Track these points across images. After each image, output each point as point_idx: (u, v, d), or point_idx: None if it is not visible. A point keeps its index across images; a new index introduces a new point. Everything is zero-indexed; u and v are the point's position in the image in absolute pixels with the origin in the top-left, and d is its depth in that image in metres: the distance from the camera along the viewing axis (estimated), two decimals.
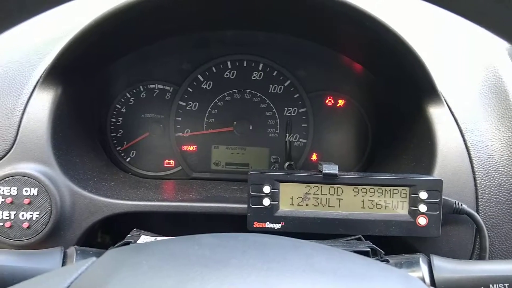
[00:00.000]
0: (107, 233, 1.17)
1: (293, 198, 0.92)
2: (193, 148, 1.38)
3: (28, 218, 0.89)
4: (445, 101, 1.02)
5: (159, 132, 1.37)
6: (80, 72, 1.07)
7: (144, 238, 0.84)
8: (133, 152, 1.37)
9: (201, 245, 0.55)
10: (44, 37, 1.09)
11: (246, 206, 0.92)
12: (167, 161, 1.37)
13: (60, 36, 1.05)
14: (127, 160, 1.37)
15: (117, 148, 1.36)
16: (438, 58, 1.11)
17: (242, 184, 1.25)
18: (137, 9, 0.91)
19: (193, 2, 0.98)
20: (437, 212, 0.90)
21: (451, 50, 1.16)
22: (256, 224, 0.91)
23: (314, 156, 1.39)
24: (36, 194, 0.90)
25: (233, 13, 1.10)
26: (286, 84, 1.37)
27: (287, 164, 1.36)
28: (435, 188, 0.90)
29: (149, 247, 0.57)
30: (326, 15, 1.00)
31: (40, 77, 0.99)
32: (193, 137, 1.37)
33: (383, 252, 0.81)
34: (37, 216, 0.90)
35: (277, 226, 0.91)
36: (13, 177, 0.90)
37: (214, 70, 1.36)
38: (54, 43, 1.05)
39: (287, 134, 1.37)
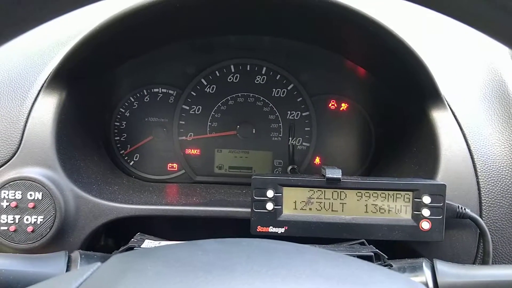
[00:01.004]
0: (110, 237, 1.17)
1: (296, 202, 0.93)
2: (197, 151, 1.38)
3: (32, 222, 0.90)
4: (448, 105, 1.02)
5: (162, 135, 1.37)
6: (84, 76, 1.07)
7: (148, 243, 0.84)
8: (137, 155, 1.37)
9: (205, 251, 0.55)
10: (48, 42, 1.09)
11: (249, 210, 0.92)
12: (170, 164, 1.38)
13: (65, 41, 1.06)
14: (131, 163, 1.37)
15: (121, 152, 1.37)
16: (441, 62, 1.11)
17: (245, 187, 1.25)
18: (142, 14, 0.91)
19: (199, 7, 0.98)
20: (440, 217, 0.90)
21: (454, 54, 1.16)
22: (260, 229, 0.92)
23: (317, 160, 1.39)
24: (40, 198, 0.90)
25: (238, 18, 1.11)
26: (289, 88, 1.37)
27: (290, 167, 1.35)
28: (439, 192, 0.90)
29: (153, 253, 0.58)
30: (329, 20, 1.00)
31: (45, 81, 1.00)
32: (196, 140, 1.38)
33: (386, 257, 0.81)
34: (42, 220, 0.90)
35: (280, 230, 0.92)
36: (18, 181, 0.90)
37: (218, 74, 1.37)
38: (58, 47, 1.06)
39: (290, 138, 1.37)
